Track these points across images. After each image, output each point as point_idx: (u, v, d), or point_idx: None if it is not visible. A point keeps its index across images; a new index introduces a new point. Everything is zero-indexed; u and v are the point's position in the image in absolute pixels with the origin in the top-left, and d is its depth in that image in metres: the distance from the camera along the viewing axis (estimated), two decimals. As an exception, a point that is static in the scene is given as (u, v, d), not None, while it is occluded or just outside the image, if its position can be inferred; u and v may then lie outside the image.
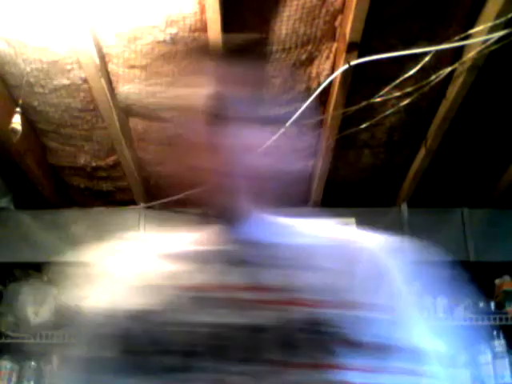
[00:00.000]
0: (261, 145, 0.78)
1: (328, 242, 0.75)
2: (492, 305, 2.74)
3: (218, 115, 0.72)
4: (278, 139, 2.54)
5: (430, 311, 2.70)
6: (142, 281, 0.69)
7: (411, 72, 2.10)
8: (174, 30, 2.05)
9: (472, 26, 1.99)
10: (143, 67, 2.22)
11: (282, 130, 2.44)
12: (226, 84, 0.75)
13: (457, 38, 2.01)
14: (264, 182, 0.79)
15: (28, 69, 2.20)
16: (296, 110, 2.35)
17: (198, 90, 0.74)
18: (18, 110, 2.08)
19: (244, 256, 0.69)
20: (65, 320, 2.77)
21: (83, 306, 0.72)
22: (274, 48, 2.15)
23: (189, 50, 2.15)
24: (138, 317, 0.64)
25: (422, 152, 2.64)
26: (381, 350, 0.61)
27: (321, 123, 2.53)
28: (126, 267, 0.74)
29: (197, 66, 0.79)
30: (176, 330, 0.61)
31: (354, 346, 0.60)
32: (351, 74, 2.18)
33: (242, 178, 0.73)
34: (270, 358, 0.58)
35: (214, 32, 1.98)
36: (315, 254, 0.70)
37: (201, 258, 0.70)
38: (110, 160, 2.77)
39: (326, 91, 2.31)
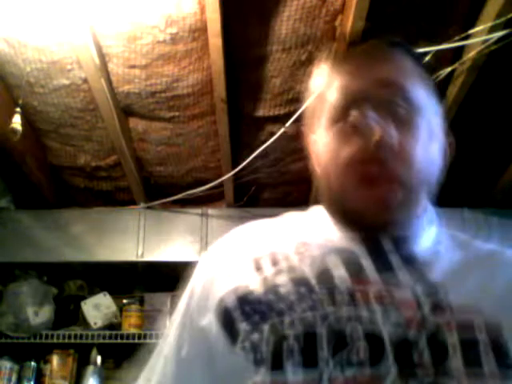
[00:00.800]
0: None
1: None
2: (492, 305, 2.73)
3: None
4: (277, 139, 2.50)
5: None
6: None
7: (411, 72, 2.10)
8: (174, 30, 2.05)
9: (472, 26, 1.99)
10: (143, 67, 2.22)
11: (282, 130, 2.45)
12: None
13: (457, 38, 2.01)
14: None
15: (28, 69, 2.20)
16: (296, 110, 2.35)
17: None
18: (17, 110, 2.08)
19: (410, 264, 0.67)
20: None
21: None
22: (274, 48, 2.15)
23: (189, 50, 2.16)
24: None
25: (422, 152, 2.64)
26: None
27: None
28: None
29: None
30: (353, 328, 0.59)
31: None
32: (351, 74, 2.18)
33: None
34: (456, 372, 0.57)
35: (214, 32, 1.98)
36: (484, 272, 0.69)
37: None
38: (110, 160, 2.77)
39: (326, 91, 2.31)
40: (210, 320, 0.66)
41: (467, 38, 2.01)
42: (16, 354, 2.79)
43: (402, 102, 0.70)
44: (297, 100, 2.38)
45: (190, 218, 2.94)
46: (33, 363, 2.78)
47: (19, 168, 2.69)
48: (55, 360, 2.80)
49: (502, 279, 0.68)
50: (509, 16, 1.85)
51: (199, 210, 2.96)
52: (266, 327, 0.60)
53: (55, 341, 2.76)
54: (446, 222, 0.76)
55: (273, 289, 0.64)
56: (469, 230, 2.94)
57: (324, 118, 0.73)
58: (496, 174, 2.84)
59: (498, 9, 1.86)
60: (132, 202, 3.00)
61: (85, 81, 2.27)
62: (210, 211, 2.97)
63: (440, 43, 2.03)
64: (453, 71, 2.17)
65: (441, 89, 2.32)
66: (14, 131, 2.02)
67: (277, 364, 0.58)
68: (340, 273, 0.65)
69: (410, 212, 0.71)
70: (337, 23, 2.05)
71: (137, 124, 2.57)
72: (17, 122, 2.03)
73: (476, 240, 0.79)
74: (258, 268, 0.67)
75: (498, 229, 2.92)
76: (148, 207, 2.97)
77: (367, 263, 0.66)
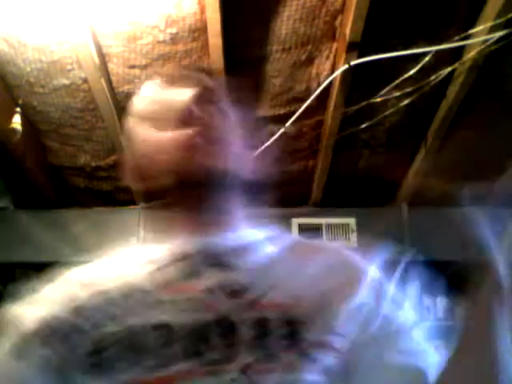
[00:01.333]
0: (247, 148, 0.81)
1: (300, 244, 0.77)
2: (492, 305, 2.73)
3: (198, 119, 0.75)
4: (277, 139, 2.51)
5: (430, 311, 2.70)
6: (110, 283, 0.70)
7: (411, 72, 2.10)
8: (174, 30, 2.05)
9: (472, 26, 1.99)
10: (143, 67, 2.22)
11: (282, 130, 2.45)
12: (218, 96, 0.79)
13: (457, 38, 2.01)
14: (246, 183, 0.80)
15: (28, 69, 2.20)
16: (296, 110, 2.35)
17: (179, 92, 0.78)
18: (17, 110, 2.08)
19: (214, 257, 0.70)
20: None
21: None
22: (274, 48, 2.15)
23: (189, 50, 2.16)
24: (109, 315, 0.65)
25: (422, 152, 2.64)
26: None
27: (321, 123, 2.53)
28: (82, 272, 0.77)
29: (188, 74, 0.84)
30: (148, 329, 0.62)
31: (325, 346, 0.61)
32: (351, 74, 2.18)
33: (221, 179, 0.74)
34: (244, 362, 0.58)
35: (214, 32, 1.98)
36: (287, 257, 0.72)
37: (166, 260, 0.71)
38: (110, 160, 2.77)
39: (326, 91, 2.31)
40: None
41: (467, 38, 2.01)
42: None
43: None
44: (297, 100, 2.38)
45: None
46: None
47: (19, 168, 2.69)
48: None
49: (310, 266, 0.70)
50: (509, 16, 1.85)
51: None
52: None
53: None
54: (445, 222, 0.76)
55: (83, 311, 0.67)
56: (469, 229, 2.94)
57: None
58: (496, 173, 2.84)
59: (497, 9, 1.86)
60: (132, 202, 3.00)
61: (85, 81, 2.27)
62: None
63: (440, 43, 2.03)
64: (453, 71, 2.17)
65: (441, 89, 2.32)
66: (14, 131, 2.02)
67: None
68: (141, 282, 0.68)
69: (219, 208, 0.76)
70: (337, 23, 2.05)
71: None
72: (17, 122, 2.03)
73: (284, 234, 0.83)
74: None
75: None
76: (148, 207, 2.97)
77: (173, 270, 0.69)
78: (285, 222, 2.88)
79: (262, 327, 0.61)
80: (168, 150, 0.74)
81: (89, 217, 2.98)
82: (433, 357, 0.68)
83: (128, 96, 2.38)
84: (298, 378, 0.58)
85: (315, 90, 2.27)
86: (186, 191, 0.75)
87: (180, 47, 2.13)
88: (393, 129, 2.58)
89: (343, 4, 1.98)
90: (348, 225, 2.96)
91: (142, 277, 0.70)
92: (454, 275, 2.86)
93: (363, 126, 2.44)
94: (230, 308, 0.63)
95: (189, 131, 0.73)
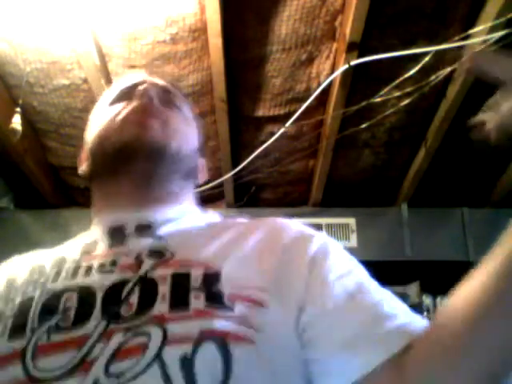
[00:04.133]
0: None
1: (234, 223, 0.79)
2: (492, 305, 2.73)
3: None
4: (277, 139, 2.51)
5: (429, 311, 2.70)
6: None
7: (411, 72, 2.10)
8: (174, 30, 2.05)
9: (472, 26, 1.99)
10: (143, 67, 2.22)
11: (282, 130, 2.45)
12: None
13: (457, 38, 2.01)
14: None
15: (28, 69, 2.20)
16: (296, 110, 2.35)
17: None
18: (17, 110, 2.08)
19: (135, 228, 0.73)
20: None
21: None
22: (274, 48, 2.15)
23: (189, 50, 2.16)
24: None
25: (422, 152, 2.64)
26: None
27: (321, 123, 2.53)
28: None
29: None
30: (46, 293, 0.65)
31: (240, 298, 0.62)
32: (351, 74, 2.18)
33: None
34: (157, 313, 0.59)
35: (214, 32, 1.98)
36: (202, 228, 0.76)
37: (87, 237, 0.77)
38: (110, 160, 2.77)
39: (326, 91, 2.32)
40: None
41: (467, 38, 2.01)
42: None
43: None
44: (297, 100, 2.38)
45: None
46: None
47: (19, 168, 2.69)
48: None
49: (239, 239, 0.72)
50: (509, 16, 1.85)
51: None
52: None
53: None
54: (445, 222, 0.76)
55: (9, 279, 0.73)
56: (468, 229, 2.95)
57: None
58: (496, 173, 2.85)
59: (498, 9, 1.86)
60: (132, 202, 2.99)
61: (85, 81, 2.27)
62: (210, 211, 2.97)
63: (440, 43, 2.03)
64: (453, 71, 2.17)
65: (441, 89, 2.32)
66: (14, 131, 2.02)
67: None
68: (73, 255, 0.72)
69: (163, 185, 0.78)
70: (337, 23, 2.05)
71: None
72: (17, 122, 2.03)
73: (215, 213, 0.86)
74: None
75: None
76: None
77: (102, 242, 0.73)
78: (285, 222, 2.87)
79: (177, 281, 0.62)
80: (118, 121, 0.77)
81: (89, 217, 2.96)
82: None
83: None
84: (211, 326, 0.57)
85: (315, 90, 2.27)
86: (132, 165, 0.75)
87: (180, 47, 2.13)
88: (393, 129, 2.58)
89: (343, 4, 1.98)
90: (348, 225, 2.96)
91: (73, 250, 0.74)
92: (454, 275, 2.87)
93: (363, 126, 2.44)
94: (148, 267, 0.64)
95: (142, 101, 0.78)
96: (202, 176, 0.90)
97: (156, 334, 0.57)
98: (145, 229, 0.72)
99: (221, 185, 2.79)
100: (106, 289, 0.63)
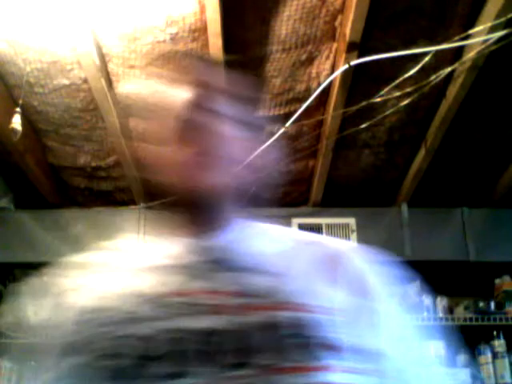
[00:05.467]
0: (247, 149, 0.80)
1: (303, 244, 0.76)
2: (492, 305, 2.73)
3: (201, 106, 0.75)
4: (277, 139, 2.51)
5: (429, 311, 2.70)
6: (119, 287, 0.70)
7: (411, 72, 2.10)
8: (174, 30, 2.05)
9: (472, 26, 1.99)
10: (143, 67, 2.22)
11: (282, 130, 2.45)
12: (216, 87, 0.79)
13: (457, 37, 2.01)
14: (247, 183, 0.81)
15: (28, 69, 2.20)
16: (296, 110, 2.35)
17: (179, 89, 0.78)
18: (17, 109, 2.08)
19: (223, 262, 0.70)
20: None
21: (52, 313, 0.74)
22: (274, 48, 2.15)
23: (189, 51, 2.16)
24: (117, 322, 0.65)
25: (422, 152, 2.64)
26: (359, 352, 0.63)
27: (321, 123, 2.53)
28: (99, 275, 0.76)
29: (187, 67, 0.82)
30: (158, 336, 0.62)
31: (334, 348, 0.61)
32: (351, 74, 2.18)
33: (226, 180, 0.75)
34: (258, 363, 0.59)
35: (214, 32, 1.98)
36: (293, 259, 0.72)
37: (179, 265, 0.71)
38: (110, 160, 2.77)
39: (326, 91, 2.31)
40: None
41: (467, 37, 2.01)
42: (16, 354, 2.79)
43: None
44: (297, 100, 2.38)
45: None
46: (33, 363, 2.78)
47: (19, 168, 2.69)
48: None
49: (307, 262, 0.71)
50: (509, 16, 1.85)
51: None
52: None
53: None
54: (444, 222, 0.78)
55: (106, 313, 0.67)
56: (468, 229, 2.95)
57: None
58: (496, 174, 2.84)
59: (498, 9, 1.86)
60: (132, 202, 3.00)
61: (85, 81, 2.27)
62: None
63: (440, 43, 2.03)
64: (453, 71, 2.17)
65: (441, 89, 2.32)
66: (14, 131, 2.02)
67: None
68: (156, 285, 0.68)
69: (219, 215, 0.77)
70: (337, 23, 2.05)
71: (137, 124, 2.56)
72: (17, 122, 2.03)
73: (283, 231, 0.83)
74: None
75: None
76: (148, 207, 2.97)
77: (178, 275, 0.69)
78: (285, 222, 2.88)
79: (272, 329, 0.61)
80: (168, 168, 0.76)
81: (89, 217, 2.98)
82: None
83: (128, 96, 2.38)
84: (313, 380, 0.58)
85: (315, 90, 2.27)
86: (186, 200, 0.76)
87: (180, 47, 2.13)
88: (393, 129, 2.58)
89: (343, 4, 1.98)
90: (348, 225, 2.96)
91: (153, 280, 0.69)
92: (454, 275, 2.86)
93: (363, 125, 2.44)
94: (242, 310, 0.63)
95: (187, 150, 0.74)
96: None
97: None
98: (219, 262, 0.70)
99: (221, 185, 2.79)
100: (206, 332, 0.61)
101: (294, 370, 0.59)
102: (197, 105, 0.76)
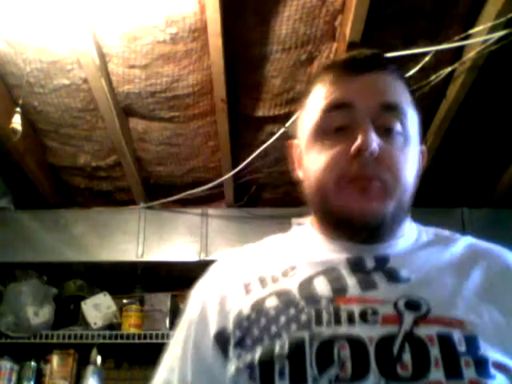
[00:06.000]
0: None
1: (480, 256, 0.76)
2: (492, 305, 2.73)
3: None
4: (278, 139, 2.50)
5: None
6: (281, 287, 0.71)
7: (411, 72, 2.10)
8: (174, 30, 2.05)
9: (472, 26, 1.99)
10: (143, 67, 2.22)
11: (282, 130, 2.45)
12: None
13: (457, 38, 2.01)
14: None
15: (28, 69, 2.20)
16: (296, 110, 2.35)
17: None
18: (17, 110, 2.08)
19: (396, 272, 0.70)
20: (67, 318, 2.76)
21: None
22: (274, 48, 2.15)
23: (189, 50, 2.16)
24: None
25: (422, 152, 2.64)
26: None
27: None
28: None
29: None
30: (341, 340, 0.62)
31: (499, 366, 0.61)
32: (351, 74, 2.18)
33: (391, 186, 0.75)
34: (435, 378, 0.59)
35: (214, 32, 1.98)
36: (467, 271, 0.72)
37: (342, 272, 0.71)
38: (110, 160, 2.77)
39: (326, 91, 2.31)
40: (208, 345, 0.71)
41: (467, 38, 2.01)
42: (16, 353, 2.79)
43: (401, 130, 0.74)
44: (297, 100, 2.38)
45: (190, 217, 2.94)
46: (33, 363, 2.78)
47: (19, 168, 2.70)
48: (55, 360, 2.80)
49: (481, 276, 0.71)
50: (509, 16, 1.85)
51: (199, 210, 2.96)
52: (258, 349, 0.64)
53: (55, 341, 2.75)
54: (444, 222, 0.78)
55: (263, 312, 0.68)
56: (468, 229, 2.94)
57: (321, 129, 0.76)
58: (496, 174, 2.84)
59: (497, 9, 1.86)
60: (132, 202, 3.00)
61: (85, 81, 2.27)
62: (210, 211, 2.97)
63: (440, 43, 2.03)
64: (453, 71, 2.17)
65: (441, 89, 2.32)
66: (14, 131, 2.02)
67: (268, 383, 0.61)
68: (326, 293, 0.68)
69: (396, 221, 0.78)
70: (337, 23, 2.05)
71: (137, 124, 2.57)
72: (17, 122, 2.03)
73: (457, 235, 0.85)
74: (248, 292, 0.72)
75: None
76: (148, 207, 2.97)
77: (352, 282, 0.69)
78: (285, 222, 2.88)
79: (444, 344, 0.61)
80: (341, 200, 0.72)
81: (89, 217, 2.98)
82: None
83: (128, 96, 2.38)
84: None
85: (315, 90, 2.27)
86: (356, 233, 0.75)
87: (180, 47, 2.13)
88: (393, 129, 2.58)
89: (343, 4, 1.98)
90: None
91: (322, 280, 0.70)
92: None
93: (363, 125, 2.44)
94: (411, 323, 0.63)
95: (362, 183, 0.71)
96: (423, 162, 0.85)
97: None
98: (386, 270, 0.70)
99: (221, 185, 2.79)
100: (376, 342, 0.61)
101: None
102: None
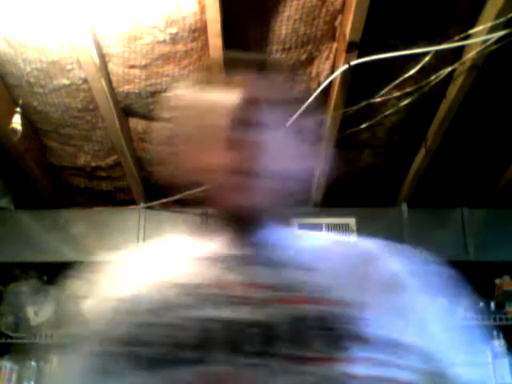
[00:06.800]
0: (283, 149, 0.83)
1: (337, 244, 0.79)
2: (492, 305, 2.73)
3: (244, 119, 0.75)
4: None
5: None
6: (156, 279, 0.71)
7: (411, 72, 2.10)
8: (173, 30, 2.05)
9: (472, 26, 1.99)
10: (143, 67, 2.22)
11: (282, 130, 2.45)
12: (256, 91, 0.79)
13: (457, 38, 2.01)
14: (285, 183, 0.83)
15: (28, 69, 2.20)
16: (296, 110, 2.35)
17: (226, 94, 0.77)
18: (17, 109, 2.08)
19: (259, 257, 0.71)
20: (67, 318, 2.76)
21: (91, 301, 0.75)
22: (274, 48, 2.15)
23: (189, 50, 2.16)
24: (151, 311, 0.66)
25: (422, 152, 2.64)
26: (385, 345, 0.63)
27: (321, 123, 2.53)
28: (142, 266, 0.78)
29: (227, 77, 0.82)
30: (189, 325, 0.63)
31: (360, 340, 0.62)
32: (351, 74, 2.18)
33: (264, 179, 0.76)
34: (283, 353, 0.60)
35: (214, 32, 1.98)
36: (326, 255, 0.74)
37: (217, 259, 0.72)
38: (110, 160, 2.77)
39: (326, 91, 2.31)
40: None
41: (467, 37, 2.01)
42: (16, 354, 2.79)
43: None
44: (297, 100, 2.37)
45: (190, 217, 2.94)
46: (33, 363, 2.78)
47: (19, 168, 2.70)
48: (55, 360, 2.79)
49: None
50: (509, 16, 1.85)
51: (199, 210, 2.96)
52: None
53: (55, 341, 2.75)
54: (445, 222, 0.79)
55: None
56: (468, 229, 2.95)
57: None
58: (496, 174, 2.84)
59: (497, 9, 1.86)
60: (132, 202, 3.00)
61: (85, 81, 2.27)
62: (210, 211, 2.97)
63: (440, 43, 2.03)
64: (453, 71, 2.17)
65: (441, 89, 2.32)
66: (14, 131, 2.02)
67: None
68: (205, 275, 0.70)
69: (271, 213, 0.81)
70: (337, 23, 2.05)
71: (137, 124, 2.57)
72: (17, 122, 2.03)
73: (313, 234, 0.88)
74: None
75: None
76: (148, 207, 2.97)
77: (224, 267, 0.70)
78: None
79: (299, 322, 0.62)
80: (212, 175, 0.77)
81: (89, 217, 2.98)
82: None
83: (128, 96, 2.38)
84: (336, 371, 0.59)
85: (315, 90, 2.27)
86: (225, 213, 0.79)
87: (180, 47, 2.13)
88: (393, 129, 2.58)
89: (343, 4, 1.98)
90: (348, 225, 2.96)
91: (190, 271, 0.71)
92: (454, 275, 2.86)
93: (363, 125, 2.44)
94: (270, 303, 0.64)
95: (232, 156, 0.74)
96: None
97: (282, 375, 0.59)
98: (261, 254, 0.73)
99: (221, 185, 2.79)
100: (235, 322, 0.63)
101: (317, 360, 0.59)
102: (245, 114, 0.77)
